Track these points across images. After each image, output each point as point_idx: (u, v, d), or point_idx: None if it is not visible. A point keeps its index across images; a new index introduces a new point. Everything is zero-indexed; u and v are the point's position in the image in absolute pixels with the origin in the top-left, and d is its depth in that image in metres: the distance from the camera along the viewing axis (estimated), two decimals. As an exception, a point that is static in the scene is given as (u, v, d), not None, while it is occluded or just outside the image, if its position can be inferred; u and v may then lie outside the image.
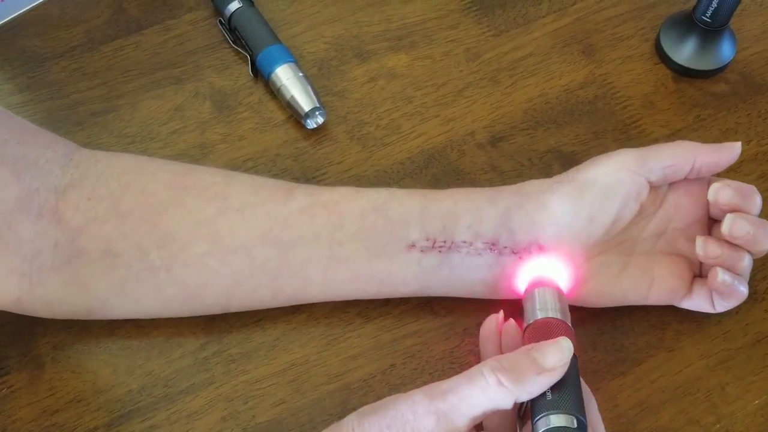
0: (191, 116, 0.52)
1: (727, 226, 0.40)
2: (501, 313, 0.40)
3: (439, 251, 0.41)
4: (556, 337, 0.35)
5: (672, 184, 0.43)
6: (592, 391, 0.42)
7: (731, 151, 0.41)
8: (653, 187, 0.42)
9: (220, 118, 0.52)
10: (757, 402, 0.42)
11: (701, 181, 0.42)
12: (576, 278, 0.41)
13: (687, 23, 0.52)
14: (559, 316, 0.38)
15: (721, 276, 0.40)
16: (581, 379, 0.37)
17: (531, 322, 0.39)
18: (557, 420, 0.33)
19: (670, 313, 0.45)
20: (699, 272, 0.44)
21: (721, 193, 0.40)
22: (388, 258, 0.41)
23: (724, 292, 0.41)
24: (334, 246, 0.41)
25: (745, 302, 0.45)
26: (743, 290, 0.41)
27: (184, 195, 0.41)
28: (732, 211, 0.40)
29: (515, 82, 0.53)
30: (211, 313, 0.43)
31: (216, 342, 0.44)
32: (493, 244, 0.41)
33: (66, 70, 0.54)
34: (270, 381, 0.43)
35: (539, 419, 0.34)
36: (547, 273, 0.41)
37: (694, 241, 0.41)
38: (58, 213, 0.40)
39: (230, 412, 0.42)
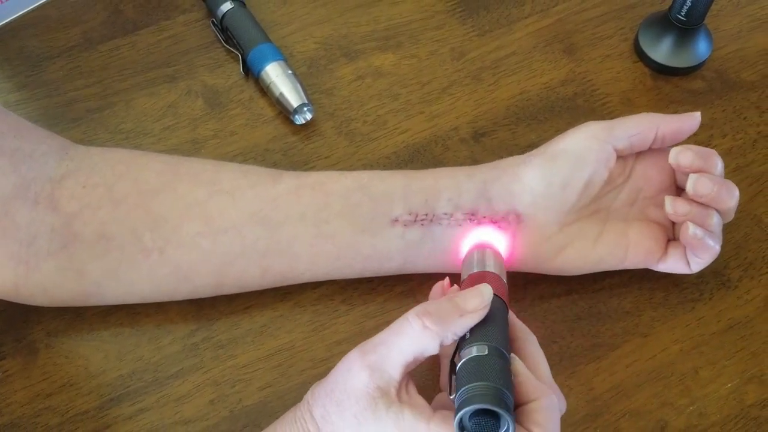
0: (184, 113, 0.54)
1: (691, 185, 0.41)
2: (447, 279, 0.42)
3: (422, 224, 0.42)
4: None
5: (639, 156, 0.45)
6: (568, 375, 0.44)
7: (692, 119, 0.43)
8: (621, 158, 0.44)
9: (212, 114, 0.54)
10: (729, 385, 0.44)
11: (666, 151, 0.44)
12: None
13: (664, 22, 0.54)
14: (494, 271, 0.40)
15: (692, 229, 0.41)
16: (518, 320, 0.39)
17: (467, 276, 0.41)
18: (472, 351, 0.35)
19: (645, 300, 0.46)
20: (673, 237, 0.45)
21: (682, 155, 0.42)
22: (373, 233, 0.42)
23: (696, 246, 0.42)
24: (320, 224, 0.42)
25: (718, 290, 0.47)
26: (714, 245, 0.42)
27: (176, 181, 0.43)
28: (695, 172, 0.42)
29: (498, 80, 0.55)
30: (202, 296, 0.45)
31: (205, 328, 0.46)
32: (473, 214, 0.42)
33: (63, 69, 0.56)
34: (257, 366, 0.44)
35: (458, 357, 0.36)
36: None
37: (664, 207, 0.43)
38: (54, 200, 0.41)
39: (218, 395, 0.44)
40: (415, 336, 0.35)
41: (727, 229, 0.48)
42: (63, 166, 0.43)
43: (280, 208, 0.42)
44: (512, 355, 0.37)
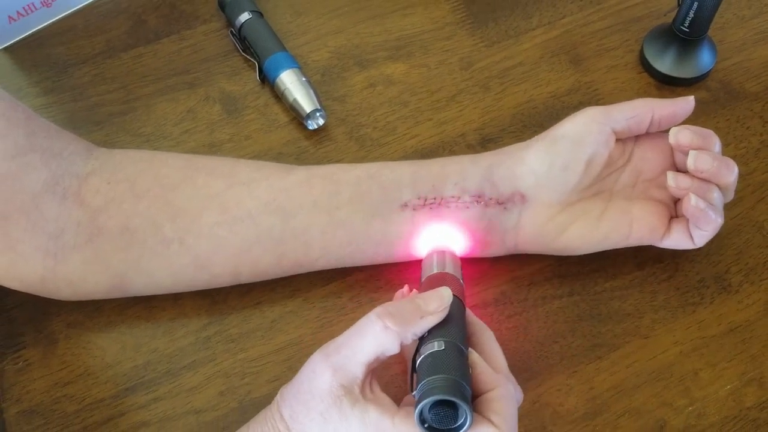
0: (202, 117, 0.56)
1: (691, 160, 0.43)
2: (406, 287, 0.44)
3: (430, 208, 0.44)
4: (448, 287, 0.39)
5: (638, 140, 0.46)
6: (569, 374, 0.45)
7: (686, 103, 0.45)
8: (620, 141, 0.45)
9: (229, 119, 0.56)
10: (728, 387, 0.44)
11: (664, 135, 0.45)
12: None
13: (668, 34, 0.55)
14: (452, 273, 0.42)
15: (694, 200, 0.42)
16: (475, 317, 0.41)
17: (426, 277, 0.42)
18: (430, 348, 0.36)
19: (646, 302, 0.47)
20: (675, 215, 0.46)
21: (681, 134, 0.43)
22: (383, 218, 0.44)
23: (698, 217, 0.43)
24: (332, 211, 0.44)
25: (719, 294, 0.47)
26: (716, 217, 0.43)
27: (195, 175, 0.45)
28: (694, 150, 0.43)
29: (505, 89, 0.56)
30: (220, 285, 0.46)
31: (217, 323, 0.47)
32: (479, 196, 0.44)
33: (88, 75, 0.58)
34: (266, 359, 0.46)
35: (418, 355, 0.37)
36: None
37: (665, 188, 0.44)
38: (80, 195, 0.44)
39: (228, 387, 0.45)
40: (376, 336, 0.36)
41: (729, 234, 0.49)
42: (89, 165, 0.45)
43: (294, 197, 0.44)
44: (470, 349, 0.38)
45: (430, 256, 0.44)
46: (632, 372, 0.45)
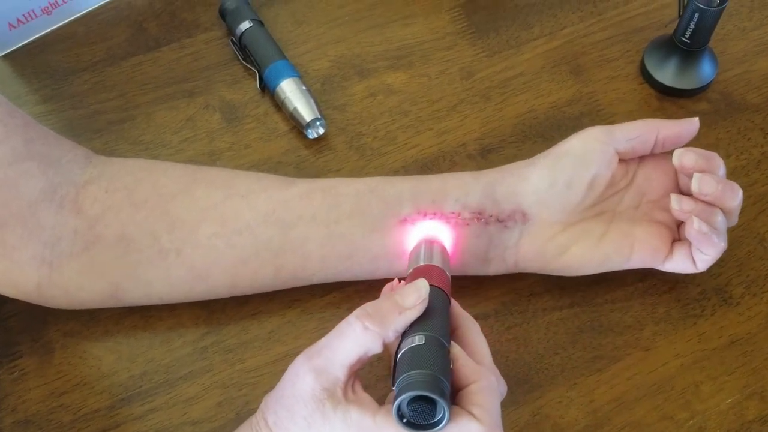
0: (202, 126, 0.56)
1: (696, 183, 0.42)
2: (395, 280, 0.43)
3: None
4: (432, 279, 0.39)
5: (642, 161, 0.46)
6: (569, 386, 0.45)
7: (691, 124, 0.44)
8: (623, 162, 0.45)
9: (228, 128, 0.56)
10: (730, 400, 0.44)
11: (668, 156, 0.45)
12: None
13: (669, 45, 0.55)
14: (438, 264, 0.41)
15: (697, 223, 0.42)
16: (461, 309, 0.40)
17: (412, 269, 0.42)
18: (409, 342, 0.36)
19: (647, 314, 0.47)
20: (678, 238, 0.45)
21: (685, 156, 0.43)
22: (382, 232, 0.44)
23: (701, 241, 0.43)
24: (331, 224, 0.44)
25: (720, 306, 0.47)
26: (719, 241, 0.43)
27: (194, 186, 0.45)
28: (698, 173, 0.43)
29: (506, 99, 0.56)
30: (217, 297, 0.46)
31: (215, 333, 0.47)
32: (480, 213, 0.44)
33: (88, 83, 0.58)
34: (264, 370, 0.46)
35: (397, 350, 0.36)
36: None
37: (668, 210, 0.44)
38: (78, 203, 0.43)
39: (225, 398, 0.45)
40: (357, 338, 0.36)
41: (730, 246, 0.49)
42: (87, 173, 0.45)
43: (293, 209, 0.44)
44: (452, 342, 0.38)
45: (418, 246, 0.43)
46: (633, 384, 0.44)
